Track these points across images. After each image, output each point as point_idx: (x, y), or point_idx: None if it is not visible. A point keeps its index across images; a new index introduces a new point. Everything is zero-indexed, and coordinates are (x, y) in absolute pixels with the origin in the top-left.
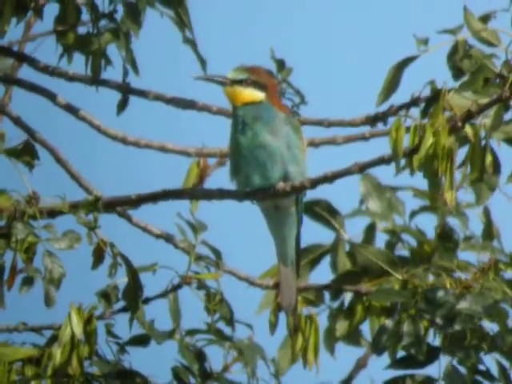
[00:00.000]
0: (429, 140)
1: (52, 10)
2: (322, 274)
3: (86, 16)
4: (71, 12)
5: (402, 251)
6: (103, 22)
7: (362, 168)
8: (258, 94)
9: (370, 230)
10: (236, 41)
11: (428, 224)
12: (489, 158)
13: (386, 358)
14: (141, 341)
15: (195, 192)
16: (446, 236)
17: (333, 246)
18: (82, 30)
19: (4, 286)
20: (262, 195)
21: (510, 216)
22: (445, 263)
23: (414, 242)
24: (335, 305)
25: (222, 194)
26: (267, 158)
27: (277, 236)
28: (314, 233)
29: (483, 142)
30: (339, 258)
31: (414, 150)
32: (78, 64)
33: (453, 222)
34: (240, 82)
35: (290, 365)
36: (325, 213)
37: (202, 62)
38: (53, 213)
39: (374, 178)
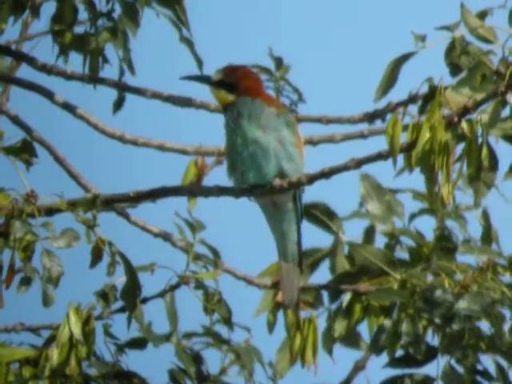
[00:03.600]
0: (425, 135)
1: (49, 10)
2: (322, 277)
3: (82, 15)
4: (68, 11)
5: (401, 253)
6: (100, 21)
7: (359, 163)
8: (227, 95)
9: (370, 233)
10: (234, 39)
11: (427, 226)
12: (484, 152)
13: (384, 360)
14: (138, 344)
15: (193, 189)
16: (444, 239)
17: (331, 249)
18: (78, 29)
19: (2, 285)
20: (259, 192)
21: (508, 219)
22: (444, 263)
23: (413, 245)
24: (334, 307)
25: (219, 191)
26: (260, 155)
27: (276, 232)
28: (312, 236)
29: (480, 139)
30: (338, 261)
31: (410, 146)
32: (76, 63)
33: (452, 224)
34: (215, 84)
35: (289, 367)
36: (323, 216)
37: (199, 62)
38: (51, 211)
39: (374, 179)
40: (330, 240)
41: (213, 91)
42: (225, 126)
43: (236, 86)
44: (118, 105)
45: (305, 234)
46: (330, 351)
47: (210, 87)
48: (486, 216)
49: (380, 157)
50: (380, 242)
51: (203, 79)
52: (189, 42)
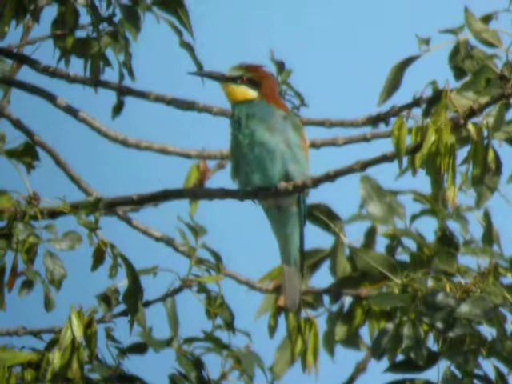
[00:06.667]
0: (431, 137)
1: (50, 14)
2: (322, 278)
3: (83, 20)
4: (69, 15)
5: (403, 255)
6: (101, 26)
7: (364, 166)
8: (250, 92)
9: (371, 234)
10: (236, 42)
11: (428, 228)
12: (491, 155)
13: (385, 363)
14: (139, 349)
15: (197, 192)
16: (446, 240)
17: (332, 250)
18: (79, 33)
19: (4, 288)
20: (264, 194)
21: (509, 220)
22: (445, 267)
23: (414, 246)
24: (334, 308)
25: (223, 194)
26: (266, 157)
27: (279, 235)
28: (314, 237)
29: (485, 142)
30: (338, 262)
31: (416, 148)
32: (77, 66)
33: (453, 225)
34: (233, 80)
35: (288, 367)
36: (324, 217)
37: (199, 66)
38: (53, 214)
39: (375, 181)
40: (331, 241)
41: (227, 86)
42: (231, 125)
43: (260, 84)
44: (118, 110)
45: (306, 235)
46: (331, 352)
47: (226, 82)
48: (487, 217)
49: (385, 159)
50: (381, 243)
51: (215, 75)
52: (189, 47)
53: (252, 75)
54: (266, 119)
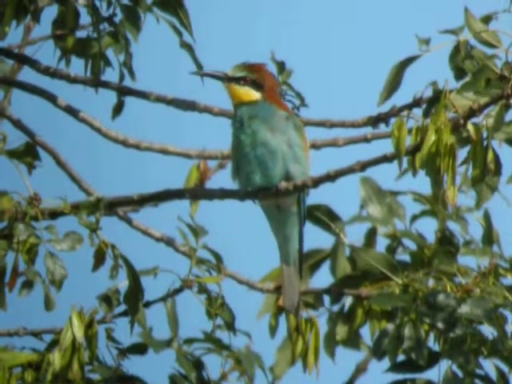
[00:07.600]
0: (431, 138)
1: (50, 14)
2: (323, 278)
3: (84, 20)
4: (70, 16)
5: (403, 255)
6: (101, 26)
7: (364, 166)
8: (254, 94)
9: (371, 235)
10: (236, 43)
11: (428, 228)
12: (490, 155)
13: (386, 363)
14: (139, 349)
15: (197, 192)
16: (446, 240)
17: (332, 251)
18: (79, 33)
19: (5, 288)
20: (264, 195)
21: (509, 221)
22: (445, 267)
23: (414, 247)
24: (335, 308)
25: (223, 194)
26: (268, 157)
27: (279, 235)
28: (314, 238)
29: (485, 142)
30: (339, 263)
31: (416, 149)
32: (78, 66)
33: (453, 226)
34: (237, 80)
35: (289, 367)
36: (325, 217)
37: (199, 67)
38: (54, 214)
39: (375, 182)
40: (332, 241)
41: (231, 87)
42: (233, 125)
43: (263, 85)
44: (118, 110)
45: (307, 235)
46: (332, 354)
47: (229, 82)
48: (487, 217)
49: (385, 159)
50: (382, 243)
51: (218, 75)
52: (189, 47)
53: (256, 76)
54: (268, 120)
